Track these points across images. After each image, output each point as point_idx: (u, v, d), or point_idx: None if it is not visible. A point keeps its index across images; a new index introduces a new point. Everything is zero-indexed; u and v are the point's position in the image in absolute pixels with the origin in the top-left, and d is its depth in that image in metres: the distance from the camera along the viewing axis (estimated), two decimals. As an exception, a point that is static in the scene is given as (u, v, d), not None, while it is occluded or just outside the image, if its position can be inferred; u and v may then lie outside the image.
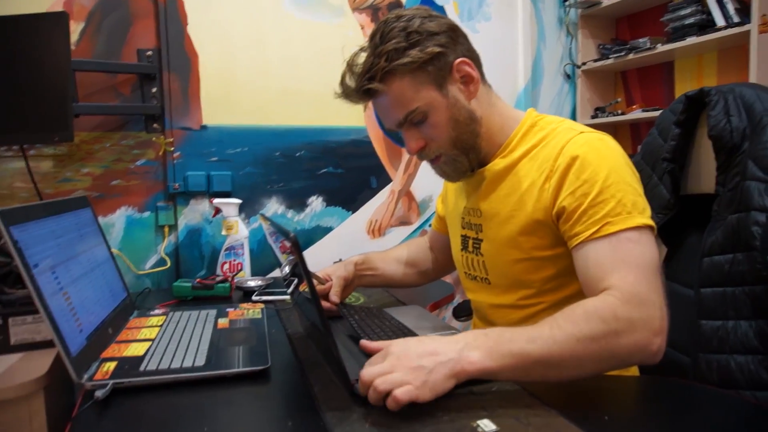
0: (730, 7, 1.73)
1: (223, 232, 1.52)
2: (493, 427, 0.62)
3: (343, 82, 0.90)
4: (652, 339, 0.68)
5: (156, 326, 1.07)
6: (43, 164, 1.47)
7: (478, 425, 0.63)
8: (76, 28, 1.46)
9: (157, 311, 1.19)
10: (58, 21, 1.19)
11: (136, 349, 0.93)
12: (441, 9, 1.94)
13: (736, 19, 1.73)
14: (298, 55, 1.73)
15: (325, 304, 1.08)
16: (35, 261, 0.81)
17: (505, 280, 0.93)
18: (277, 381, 0.84)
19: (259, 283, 1.46)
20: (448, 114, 0.87)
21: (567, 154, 0.82)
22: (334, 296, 1.08)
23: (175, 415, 0.74)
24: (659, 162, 1.14)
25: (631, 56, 2.04)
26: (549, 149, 0.86)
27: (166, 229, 1.59)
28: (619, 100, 2.30)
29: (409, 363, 0.67)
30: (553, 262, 0.87)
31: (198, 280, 1.39)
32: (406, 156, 1.92)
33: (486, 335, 0.69)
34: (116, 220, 1.54)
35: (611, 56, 2.12)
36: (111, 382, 0.79)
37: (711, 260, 1.01)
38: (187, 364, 0.86)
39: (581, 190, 0.79)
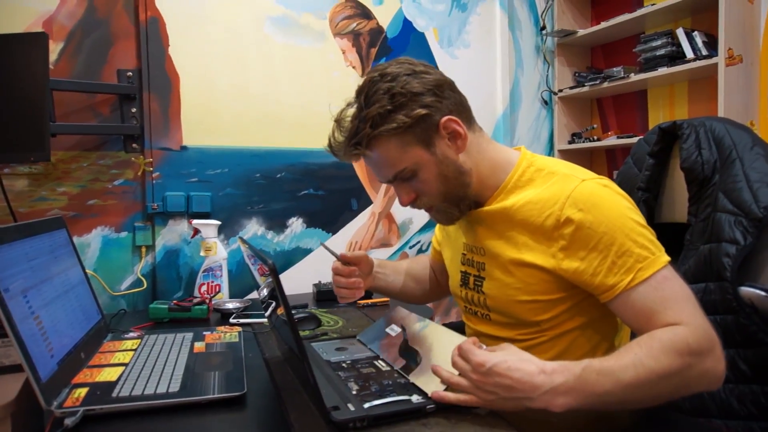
0: (699, 41, 1.80)
1: (202, 254, 1.51)
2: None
3: (332, 139, 0.92)
4: (717, 366, 0.72)
5: (130, 350, 1.05)
6: (18, 183, 1.45)
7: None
8: (55, 48, 1.46)
9: (132, 334, 1.17)
10: (37, 41, 1.19)
11: (108, 375, 0.91)
12: (421, 35, 1.98)
13: (704, 52, 1.80)
14: (279, 78, 1.74)
15: (350, 281, 1.13)
16: (6, 285, 0.80)
17: (507, 319, 0.93)
18: (254, 407, 0.83)
19: (238, 305, 1.45)
20: (436, 170, 0.88)
21: (575, 204, 0.82)
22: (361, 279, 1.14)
23: None
24: (634, 191, 1.17)
25: (605, 84, 2.10)
26: (553, 193, 0.86)
27: (144, 250, 1.57)
28: (595, 126, 2.36)
29: (489, 380, 0.71)
30: (559, 303, 0.88)
31: (175, 302, 1.37)
32: (386, 178, 1.94)
33: (577, 378, 0.69)
34: (92, 240, 1.52)
35: (587, 84, 2.18)
36: (81, 409, 0.78)
37: (684, 288, 1.04)
38: (162, 390, 0.85)
39: (603, 243, 0.79)
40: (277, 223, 1.76)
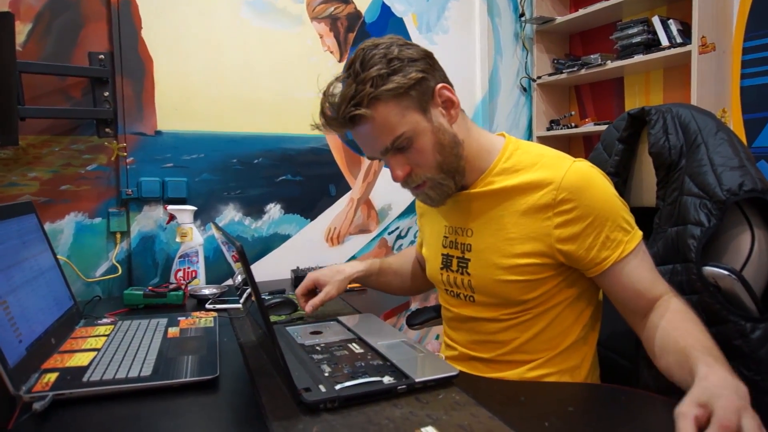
0: (674, 29, 1.83)
1: (177, 239, 1.49)
2: (436, 434, 0.64)
3: (323, 112, 0.89)
4: None
5: (103, 336, 1.04)
6: (-13, 168, 1.42)
7: (422, 433, 0.64)
8: (23, 29, 1.42)
9: (105, 320, 1.16)
10: (2, 21, 1.16)
11: (80, 360, 0.91)
12: (400, 21, 1.97)
13: (679, 40, 1.82)
14: (256, 63, 1.72)
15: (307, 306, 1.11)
16: (-29, 270, 0.79)
17: (492, 299, 0.94)
18: (226, 391, 0.84)
19: (214, 291, 1.44)
20: (433, 138, 0.87)
21: (573, 185, 0.85)
22: (309, 308, 1.11)
23: (117, 427, 0.73)
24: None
25: (583, 71, 2.12)
26: (546, 174, 0.87)
27: (118, 236, 1.56)
28: (573, 113, 2.38)
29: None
30: (547, 281, 0.90)
31: (150, 288, 1.36)
32: (365, 164, 1.94)
33: (726, 377, 0.67)
34: (65, 226, 1.50)
35: (565, 71, 2.20)
36: (50, 393, 0.77)
37: (653, 271, 1.06)
38: (133, 374, 0.85)
39: (599, 219, 0.85)
40: (255, 209, 1.76)
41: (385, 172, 1.96)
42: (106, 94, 1.52)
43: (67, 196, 1.50)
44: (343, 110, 0.86)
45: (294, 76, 1.77)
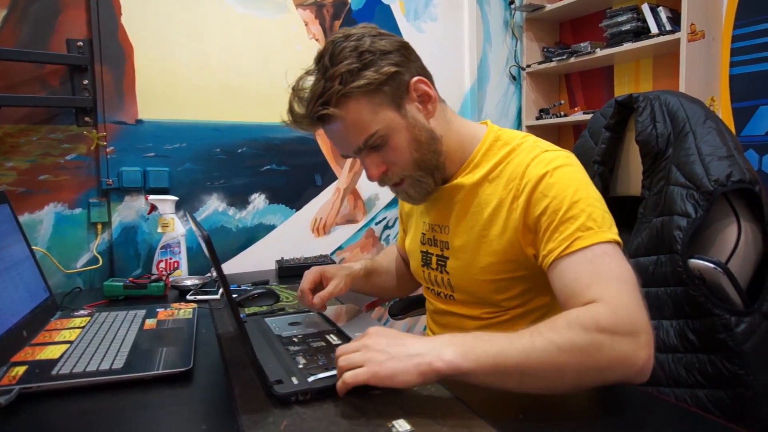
0: (663, 16, 1.80)
1: (159, 230, 1.47)
2: (408, 427, 0.62)
3: (291, 109, 0.85)
4: (637, 352, 0.64)
5: (78, 328, 1.03)
6: (-38, 157, 1.39)
7: (393, 425, 0.63)
8: (-2, 14, 1.39)
9: (82, 312, 1.14)
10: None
11: (51, 352, 0.89)
12: (387, 8, 1.94)
13: (668, 27, 1.80)
14: (239, 50, 1.69)
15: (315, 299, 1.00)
16: (-67, 261, 0.76)
17: (471, 298, 0.92)
18: (199, 383, 0.82)
19: (196, 282, 1.42)
20: (408, 135, 0.84)
21: (533, 173, 0.81)
22: (318, 300, 0.99)
23: (84, 421, 0.71)
24: (590, 164, 1.17)
25: (572, 60, 2.10)
26: (514, 166, 0.84)
27: (99, 227, 1.53)
28: (563, 102, 2.36)
29: (376, 346, 0.67)
30: (521, 281, 0.87)
31: (130, 279, 1.34)
32: (352, 154, 1.91)
33: (464, 336, 0.67)
34: (44, 217, 1.47)
35: (554, 59, 2.18)
36: (17, 387, 0.75)
37: (636, 261, 1.05)
38: (105, 366, 0.83)
39: (551, 208, 0.78)
40: (239, 199, 1.73)
41: (373, 162, 1.94)
42: (86, 82, 1.49)
43: (46, 186, 1.47)
44: (311, 109, 0.82)
45: (279, 64, 1.74)
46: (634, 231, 1.08)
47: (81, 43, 1.47)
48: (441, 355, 0.64)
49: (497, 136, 0.91)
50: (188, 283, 1.41)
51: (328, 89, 0.80)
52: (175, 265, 1.47)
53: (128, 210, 1.56)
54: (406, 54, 0.85)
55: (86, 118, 1.50)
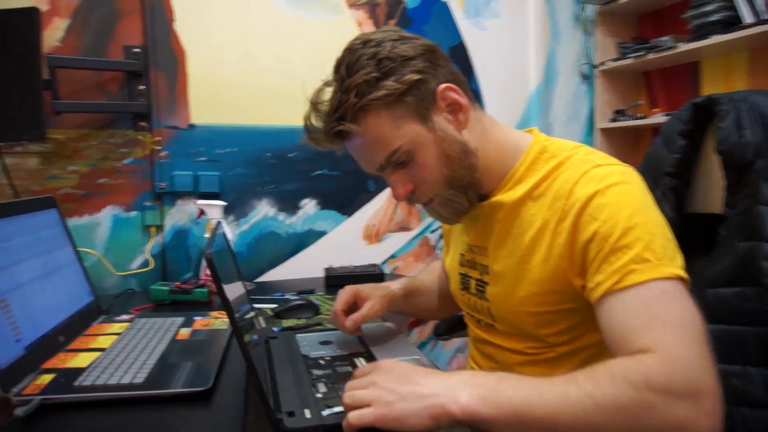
0: (759, 2, 1.59)
1: (207, 235, 1.48)
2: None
3: (308, 125, 0.79)
4: (697, 420, 0.53)
5: (114, 334, 1.03)
6: (30, 161, 1.46)
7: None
8: (61, 25, 1.44)
9: (123, 317, 1.15)
10: (28, 17, 1.16)
11: (81, 360, 0.89)
12: (444, 6, 1.85)
13: (766, 16, 1.58)
14: (290, 54, 1.67)
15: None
16: (-37, 269, 0.78)
17: (513, 330, 0.82)
18: (218, 404, 0.79)
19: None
20: (437, 150, 0.75)
21: (582, 192, 0.70)
22: (350, 323, 0.92)
23: None
24: (662, 176, 1.03)
25: (651, 56, 1.91)
26: (561, 183, 0.73)
27: (153, 230, 1.56)
28: (641, 102, 2.16)
29: (386, 383, 0.61)
30: (569, 315, 0.76)
31: (177, 284, 1.35)
32: (406, 158, 1.84)
33: (487, 376, 0.60)
34: (102, 219, 1.52)
35: (630, 55, 1.99)
36: (38, 398, 0.75)
37: (716, 292, 0.90)
38: (126, 380, 0.82)
39: (601, 233, 0.66)
40: (289, 205, 1.71)
41: (428, 167, 1.86)
42: (141, 87, 1.52)
43: (105, 189, 1.52)
44: (327, 125, 0.75)
45: (331, 66, 1.69)
46: (713, 255, 0.93)
47: (137, 50, 1.50)
48: (456, 398, 0.57)
49: (543, 147, 0.80)
50: (232, 289, 1.40)
51: (344, 102, 0.73)
52: (222, 270, 1.46)
53: (180, 214, 1.58)
54: (431, 59, 0.76)
55: (142, 123, 1.54)
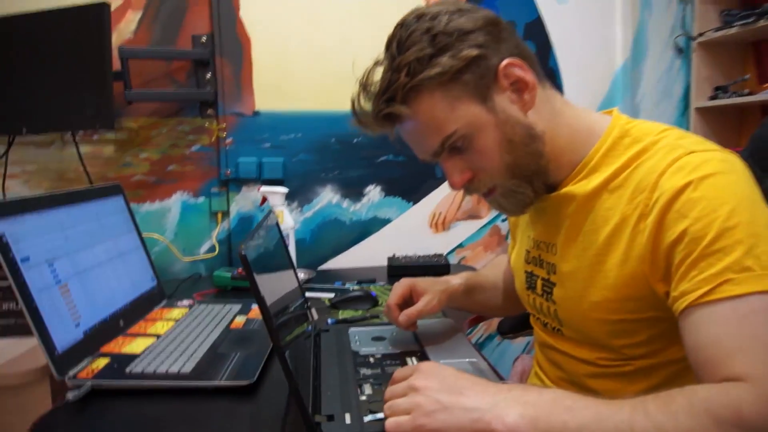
0: None
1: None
2: None
3: (356, 107, 0.73)
4: None
5: (172, 320, 1.04)
6: (106, 149, 1.52)
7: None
8: (134, 17, 1.48)
9: (184, 302, 1.16)
10: (99, 11, 1.20)
11: (137, 346, 0.90)
12: (519, -24, 1.71)
13: None
14: (355, 36, 1.61)
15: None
16: (26, 254, 0.80)
17: (582, 337, 0.73)
18: (262, 400, 0.76)
19: (302, 276, 1.40)
20: (498, 134, 0.67)
21: (669, 183, 0.59)
22: (404, 318, 0.86)
23: (137, 426, 0.71)
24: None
25: (762, 23, 1.67)
26: (644, 172, 0.63)
27: (219, 216, 1.58)
28: (748, 77, 1.91)
29: (427, 390, 0.56)
30: (649, 325, 0.66)
31: (239, 270, 1.36)
32: (475, 143, 1.74)
33: (541, 393, 0.53)
34: (172, 205, 1.56)
35: (736, 24, 1.75)
36: (89, 383, 0.76)
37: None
38: (174, 369, 0.81)
39: (690, 234, 0.56)
40: (353, 191, 1.67)
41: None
42: (208, 75, 1.53)
43: (174, 176, 1.55)
44: (375, 108, 0.69)
45: (396, 47, 1.63)
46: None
47: (204, 38, 1.51)
48: (503, 417, 0.51)
49: (624, 131, 0.69)
50: (293, 277, 1.39)
51: (394, 82, 0.66)
52: (283, 258, 1.46)
53: (245, 200, 1.59)
54: (493, 32, 0.67)
55: (209, 111, 1.55)
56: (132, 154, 1.53)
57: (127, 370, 0.80)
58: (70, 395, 0.73)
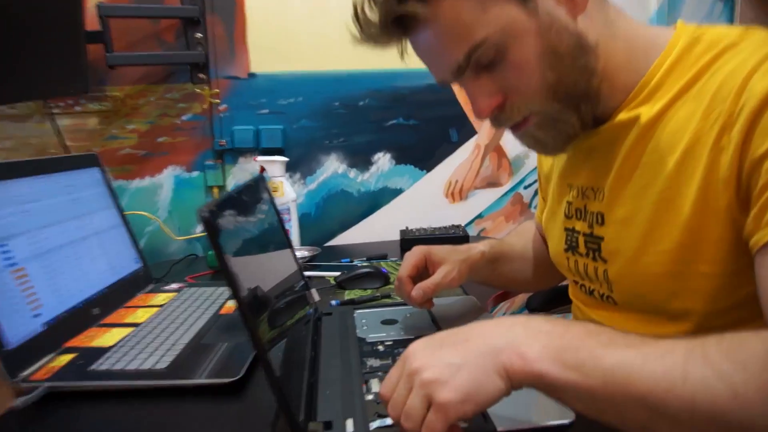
0: None
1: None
2: None
3: (359, 15, 0.57)
4: None
5: (156, 306, 0.92)
6: (90, 121, 1.39)
7: None
8: (113, -30, 1.33)
9: (173, 286, 1.04)
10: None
11: (110, 338, 0.78)
12: None
13: None
14: (359, -16, 1.45)
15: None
16: (-34, 233, 0.67)
17: (643, 305, 0.59)
18: (249, 399, 0.64)
19: (305, 254, 1.27)
20: (540, 44, 0.53)
21: (760, 86, 0.46)
22: (418, 293, 0.72)
23: None
24: None
25: (821, -48, 1.46)
26: (724, 77, 0.50)
27: (216, 191, 1.45)
28: (799, 19, 1.70)
29: (430, 364, 0.43)
30: (737, 282, 0.51)
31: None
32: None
33: (568, 325, 0.44)
34: (164, 181, 1.43)
35: (790, -44, 1.55)
36: (44, 385, 0.64)
37: None
38: (147, 365, 0.69)
39: None
40: (361, 160, 1.53)
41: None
42: (199, 35, 1.38)
43: (165, 148, 1.42)
44: (384, 10, 0.53)
45: None
46: None
47: (192, -7, 1.36)
48: (524, 351, 0.42)
49: (694, 38, 0.54)
50: (297, 255, 1.25)
51: None
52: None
53: (242, 173, 1.46)
54: None
55: (200, 75, 1.41)
56: (118, 125, 1.40)
57: (92, 367, 0.68)
58: (19, 401, 0.61)
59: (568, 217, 0.68)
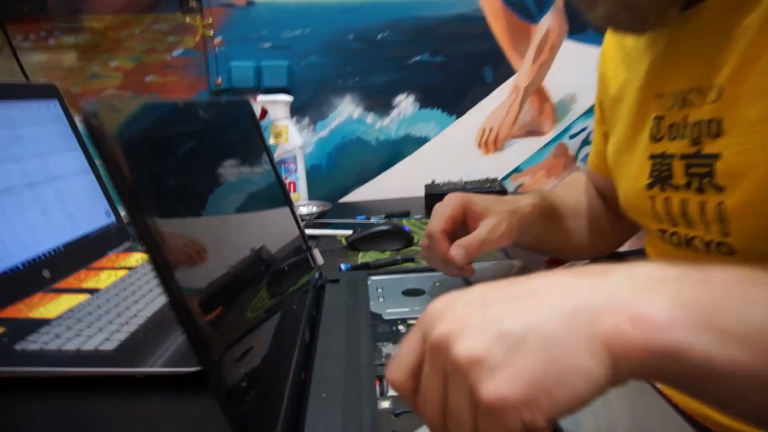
0: None
1: (271, 141, 1.15)
2: None
3: None
4: None
5: (124, 268, 0.75)
6: (67, 57, 1.21)
7: None
8: None
9: (152, 245, 0.87)
10: None
11: (56, 307, 0.61)
12: None
13: None
14: None
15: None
16: None
17: None
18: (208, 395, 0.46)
19: (312, 209, 1.08)
20: None
21: None
22: (458, 252, 0.53)
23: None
24: None
25: None
26: None
27: (213, 139, 1.27)
28: None
29: (459, 329, 0.26)
30: None
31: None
32: (537, 35, 1.35)
33: (704, 271, 0.27)
34: (155, 127, 1.25)
35: None
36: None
37: None
38: (91, 345, 0.52)
39: None
40: (380, 102, 1.32)
41: (567, 49, 1.35)
42: (187, -48, 1.18)
43: (154, 88, 1.24)
44: None
45: None
46: None
47: None
48: (642, 310, 0.25)
49: None
50: (303, 211, 1.07)
51: None
52: (291, 186, 1.14)
53: (243, 117, 1.27)
54: None
55: (191, 3, 1.21)
56: (100, 62, 1.22)
57: (19, 346, 0.52)
58: None
59: (656, 139, 0.49)
